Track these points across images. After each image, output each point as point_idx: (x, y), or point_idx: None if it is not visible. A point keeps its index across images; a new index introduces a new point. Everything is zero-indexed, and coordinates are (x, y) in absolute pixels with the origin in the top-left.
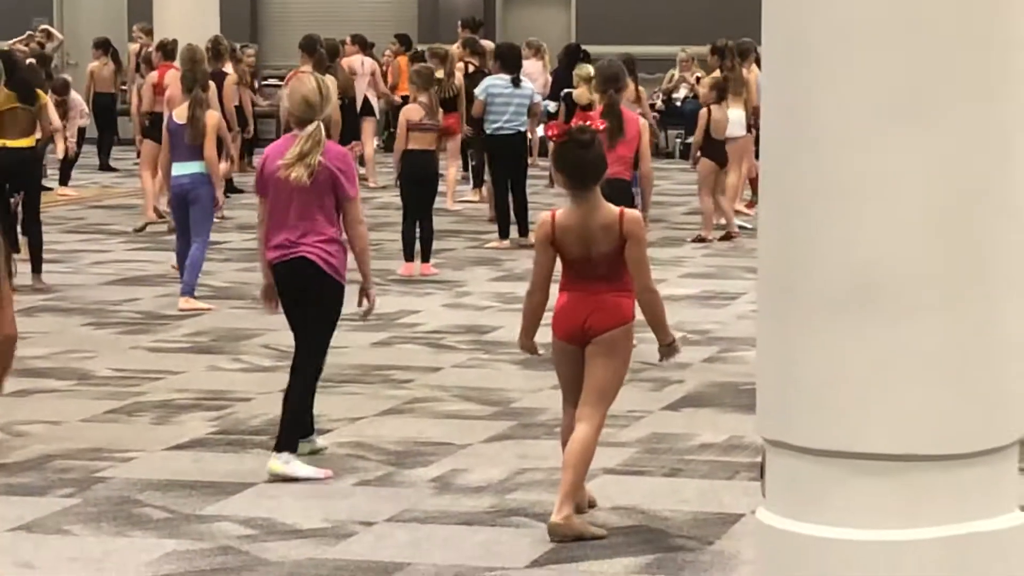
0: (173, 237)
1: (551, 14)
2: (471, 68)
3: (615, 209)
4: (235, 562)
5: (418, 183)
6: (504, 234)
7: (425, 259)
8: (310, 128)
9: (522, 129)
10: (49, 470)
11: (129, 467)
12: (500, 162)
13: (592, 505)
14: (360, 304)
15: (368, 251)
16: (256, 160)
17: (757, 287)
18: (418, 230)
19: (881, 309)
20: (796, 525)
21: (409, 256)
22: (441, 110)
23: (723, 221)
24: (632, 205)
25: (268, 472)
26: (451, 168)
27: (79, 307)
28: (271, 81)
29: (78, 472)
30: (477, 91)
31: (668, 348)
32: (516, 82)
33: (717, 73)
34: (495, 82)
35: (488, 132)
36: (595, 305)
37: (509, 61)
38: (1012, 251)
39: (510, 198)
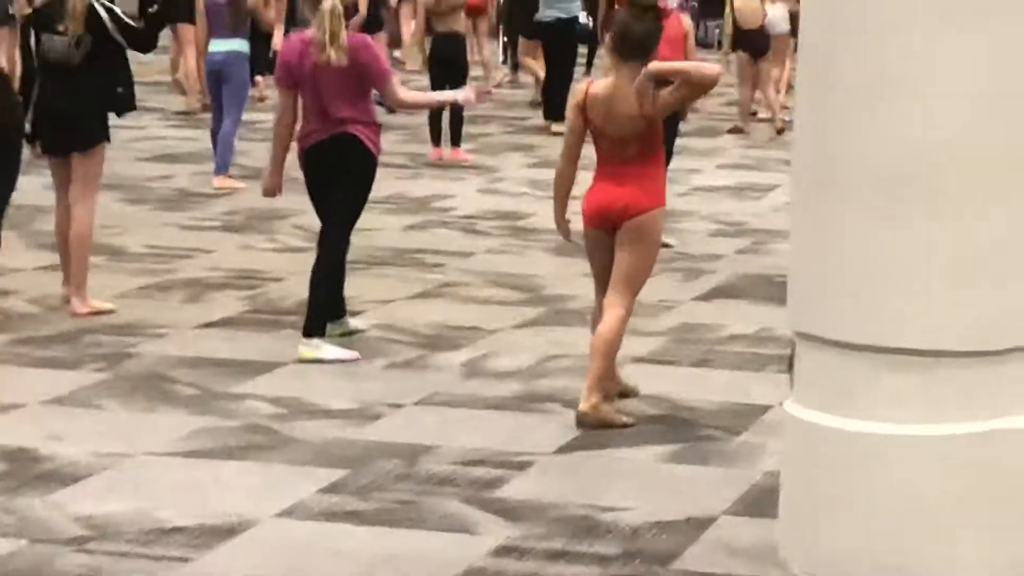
0: (208, 115)
1: None
2: None
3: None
4: (264, 440)
5: (446, 66)
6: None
7: (455, 143)
8: (327, 4)
9: (571, 16)
10: (81, 344)
11: (160, 343)
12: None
13: (634, 394)
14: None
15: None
16: None
17: (791, 179)
18: (448, 114)
19: (916, 202)
20: (825, 418)
21: (436, 140)
22: None
23: (764, 113)
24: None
25: (298, 357)
26: (485, 50)
27: (114, 183)
28: None
29: (110, 347)
30: None
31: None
32: None
33: None
34: None
35: (539, 19)
36: (622, 189)
37: None
38: None
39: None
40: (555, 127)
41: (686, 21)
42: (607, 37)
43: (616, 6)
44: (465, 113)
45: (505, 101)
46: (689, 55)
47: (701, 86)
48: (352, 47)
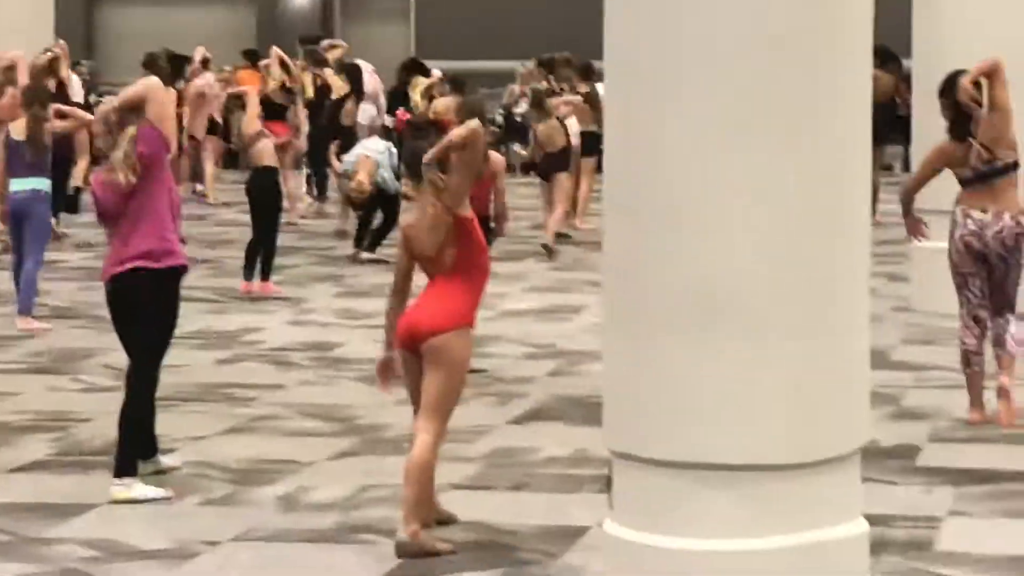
0: (10, 257)
1: (391, 30)
2: (319, 81)
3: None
4: None
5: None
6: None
7: (265, 276)
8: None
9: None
10: None
11: None
12: None
13: (452, 521)
14: None
15: None
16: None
17: (602, 301)
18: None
19: (727, 324)
20: (644, 536)
21: (249, 274)
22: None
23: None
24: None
25: (110, 499)
26: (290, 181)
27: None
28: (106, 99)
29: None
30: None
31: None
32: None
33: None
34: None
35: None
36: (423, 307)
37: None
38: (854, 266)
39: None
40: (363, 255)
41: (498, 160)
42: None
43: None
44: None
45: (311, 232)
46: (499, 191)
47: (468, 146)
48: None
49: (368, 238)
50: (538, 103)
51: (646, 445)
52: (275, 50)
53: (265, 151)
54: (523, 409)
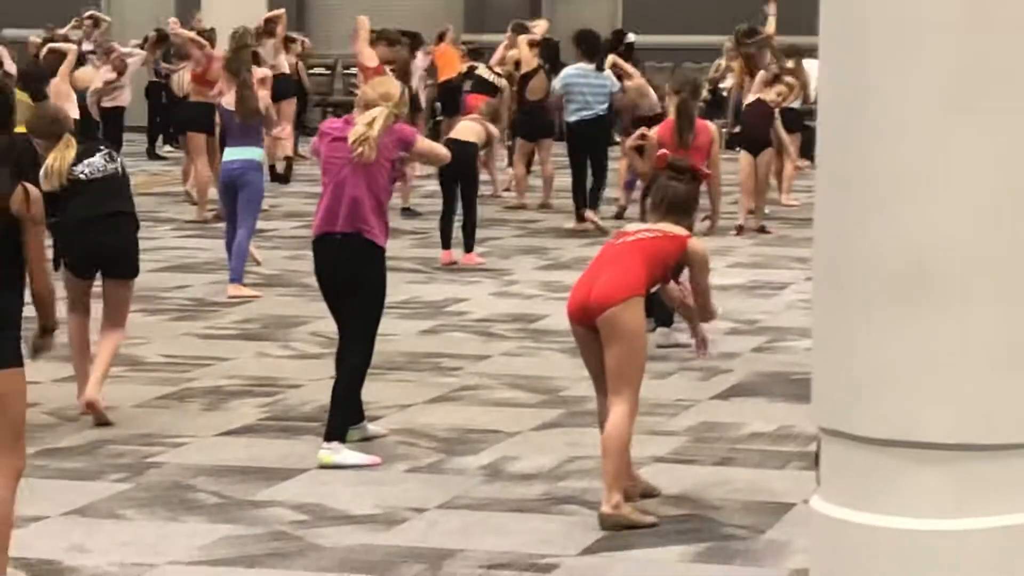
0: (222, 225)
1: (599, 5)
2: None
3: (681, 234)
4: (287, 547)
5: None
6: (579, 217)
7: (468, 249)
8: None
9: (601, 113)
10: (102, 455)
11: (181, 452)
12: (584, 145)
13: (655, 494)
14: None
15: None
16: (308, 148)
17: (812, 275)
18: (460, 219)
19: (936, 297)
20: (852, 514)
21: (447, 244)
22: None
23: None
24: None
25: (318, 462)
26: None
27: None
28: (317, 70)
29: (130, 457)
30: (555, 84)
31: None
32: (599, 68)
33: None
34: (572, 72)
35: (570, 120)
36: (597, 277)
37: (590, 48)
38: None
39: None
40: (588, 213)
41: (713, 130)
42: (647, 199)
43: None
44: (477, 218)
45: (514, 205)
46: (714, 162)
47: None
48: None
49: (588, 199)
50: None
51: (855, 421)
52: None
53: (463, 126)
54: (727, 384)
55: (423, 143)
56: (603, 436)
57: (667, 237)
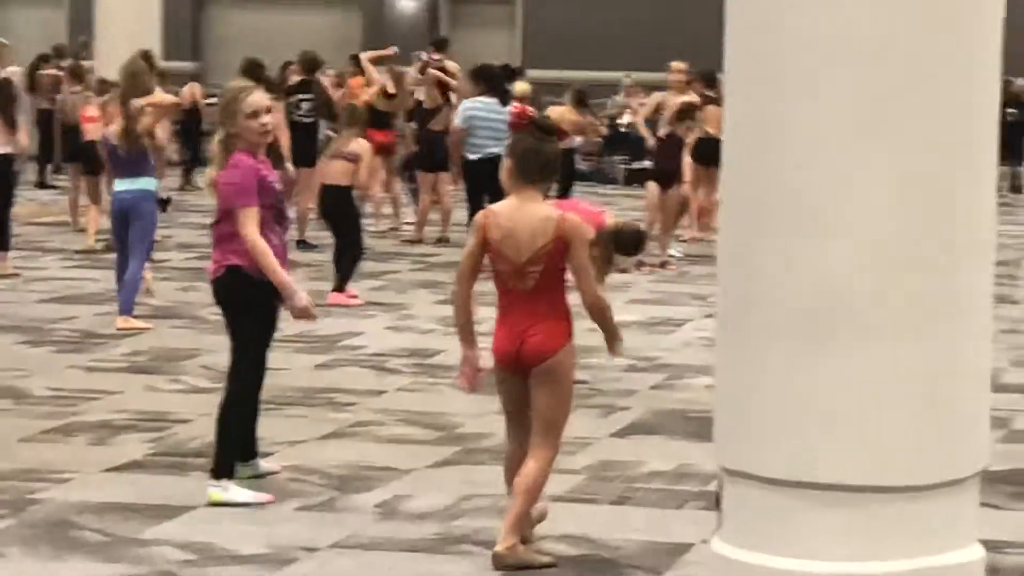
0: (112, 256)
1: (497, 36)
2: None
3: (553, 211)
4: None
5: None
6: None
7: (336, 287)
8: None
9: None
10: None
11: (66, 489)
12: (486, 185)
13: (540, 519)
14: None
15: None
16: (201, 179)
17: (716, 312)
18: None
19: (841, 336)
20: (754, 556)
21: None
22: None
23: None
24: None
25: (207, 500)
26: (395, 186)
27: (15, 325)
28: (212, 100)
29: (13, 493)
30: (457, 118)
31: (618, 344)
32: (504, 103)
33: (688, 98)
34: (476, 105)
35: (474, 157)
36: (529, 329)
37: (495, 82)
38: (979, 276)
39: None
40: None
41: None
42: (506, 162)
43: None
44: (370, 252)
45: (411, 238)
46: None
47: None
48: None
49: None
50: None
51: (757, 462)
52: (364, 56)
53: (332, 167)
54: (626, 422)
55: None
56: (520, 477)
57: (560, 240)
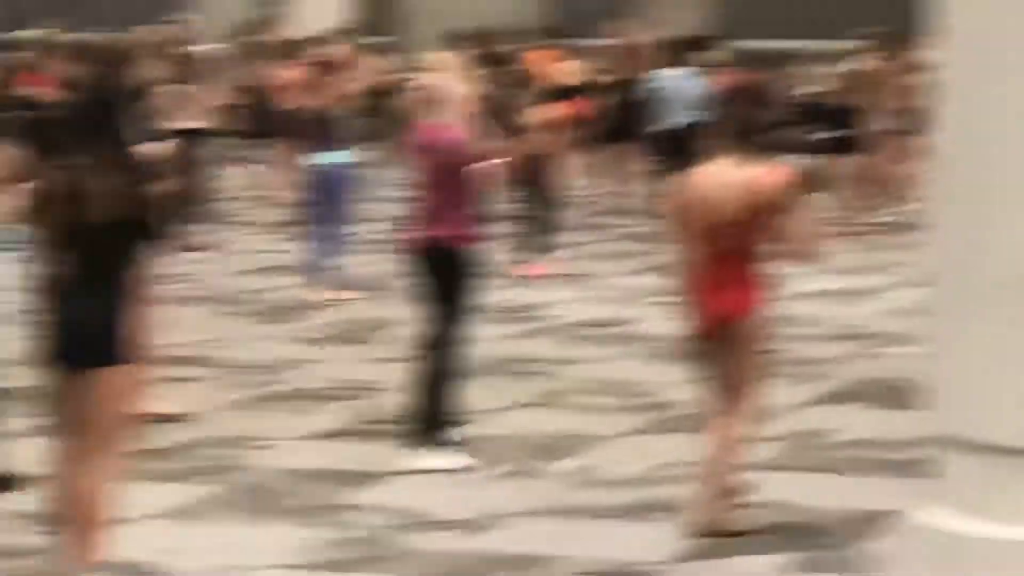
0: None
1: (688, 11)
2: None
3: (759, 171)
4: (376, 551)
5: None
6: None
7: (541, 255)
8: None
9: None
10: (192, 457)
11: (270, 455)
12: (674, 155)
13: (747, 495)
14: None
15: None
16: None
17: (934, 285)
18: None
19: None
20: (972, 525)
21: (525, 253)
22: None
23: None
24: None
25: (408, 467)
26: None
27: (216, 296)
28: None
29: (217, 460)
30: (644, 90)
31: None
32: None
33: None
34: (665, 76)
35: (663, 128)
36: (718, 293)
37: (684, 53)
38: None
39: None
40: None
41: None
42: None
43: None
44: (564, 223)
45: (606, 210)
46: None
47: None
48: None
49: None
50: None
51: (980, 428)
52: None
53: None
54: (823, 391)
55: None
56: (713, 445)
57: (763, 204)
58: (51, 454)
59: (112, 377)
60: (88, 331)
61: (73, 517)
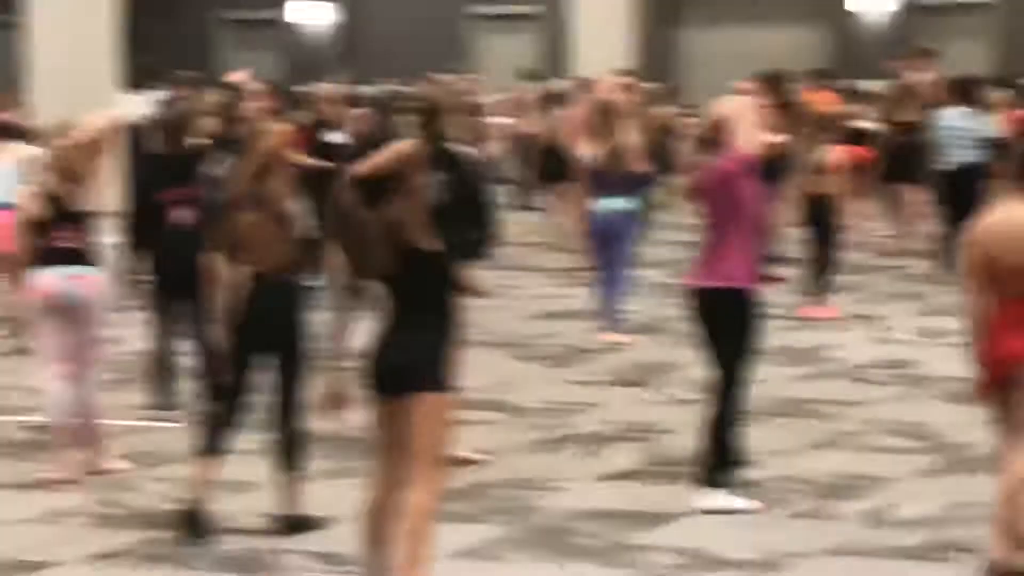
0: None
1: (973, 46)
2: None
3: None
4: None
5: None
6: None
7: (820, 295)
8: None
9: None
10: (484, 498)
11: (560, 496)
12: (958, 195)
13: None
14: None
15: None
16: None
17: None
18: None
19: None
20: None
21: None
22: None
23: None
24: None
25: (698, 508)
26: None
27: (505, 341)
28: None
29: (511, 501)
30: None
31: None
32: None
33: None
34: (950, 115)
35: (947, 168)
36: (1006, 337)
37: (968, 92)
38: None
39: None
40: None
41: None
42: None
43: None
44: (847, 264)
45: (889, 250)
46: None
47: None
48: None
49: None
50: None
51: None
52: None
53: (816, 181)
54: None
55: None
56: (1002, 483)
57: None
58: (369, 483)
59: (431, 404)
60: (411, 358)
61: (389, 548)
